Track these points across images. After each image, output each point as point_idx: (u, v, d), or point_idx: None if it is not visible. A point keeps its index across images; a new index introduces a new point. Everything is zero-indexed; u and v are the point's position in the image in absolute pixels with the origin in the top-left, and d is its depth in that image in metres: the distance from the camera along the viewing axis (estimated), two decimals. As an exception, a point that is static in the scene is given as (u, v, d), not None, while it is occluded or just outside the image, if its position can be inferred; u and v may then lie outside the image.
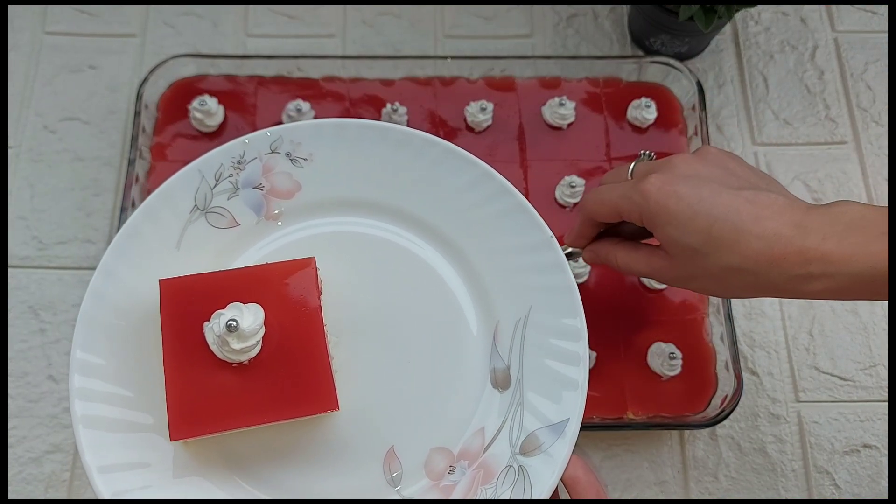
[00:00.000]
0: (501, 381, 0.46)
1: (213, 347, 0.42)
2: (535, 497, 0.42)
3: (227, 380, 0.42)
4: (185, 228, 0.48)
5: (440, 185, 0.49)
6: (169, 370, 0.42)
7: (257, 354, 0.43)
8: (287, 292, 0.44)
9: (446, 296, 0.48)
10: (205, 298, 0.43)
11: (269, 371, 0.43)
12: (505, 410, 0.45)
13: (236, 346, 0.41)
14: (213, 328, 0.41)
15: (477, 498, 0.43)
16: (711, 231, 0.43)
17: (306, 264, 0.45)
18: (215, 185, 0.48)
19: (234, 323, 0.40)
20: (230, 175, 0.48)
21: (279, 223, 0.49)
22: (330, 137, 0.49)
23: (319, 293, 0.45)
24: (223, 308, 0.42)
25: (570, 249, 0.56)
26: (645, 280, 0.63)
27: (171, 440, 0.41)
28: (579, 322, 0.45)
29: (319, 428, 0.45)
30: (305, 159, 0.49)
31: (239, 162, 0.48)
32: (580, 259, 0.57)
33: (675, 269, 0.46)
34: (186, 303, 0.43)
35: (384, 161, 0.49)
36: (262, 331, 0.42)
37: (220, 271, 0.46)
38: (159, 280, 0.44)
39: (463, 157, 0.48)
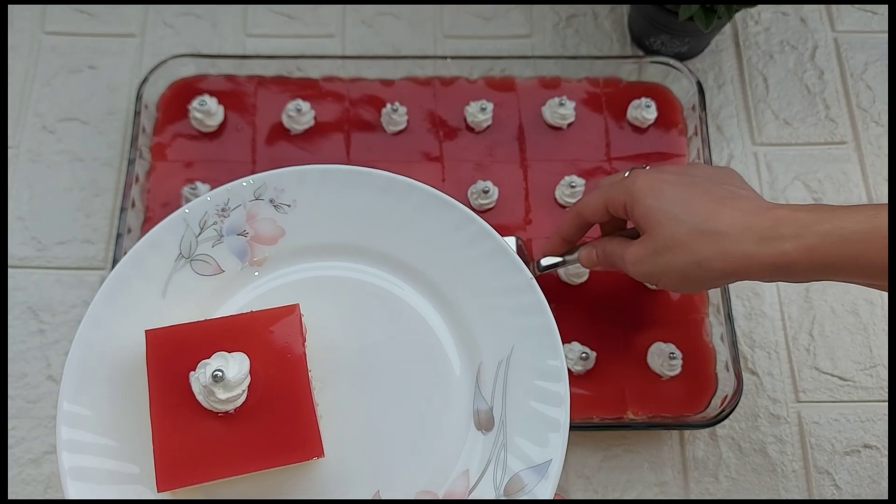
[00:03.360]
0: (485, 422, 0.47)
1: (200, 397, 0.42)
2: None
3: (213, 429, 0.42)
4: (171, 276, 0.48)
5: (422, 230, 0.49)
6: (156, 421, 0.42)
7: (243, 403, 0.43)
8: (272, 340, 0.44)
9: (429, 338, 0.49)
10: (190, 348, 0.43)
11: (255, 419, 0.43)
12: (489, 452, 0.46)
13: (222, 395, 0.41)
14: (199, 378, 0.41)
15: None
16: (690, 202, 0.46)
17: (290, 311, 0.45)
18: (200, 233, 0.49)
19: (220, 373, 0.40)
20: (214, 223, 0.49)
21: (263, 269, 0.50)
22: (313, 184, 0.49)
23: (304, 340, 0.45)
24: (209, 357, 0.42)
25: (558, 259, 0.57)
26: (645, 280, 0.63)
27: (158, 491, 0.41)
28: (560, 363, 0.46)
29: (306, 474, 0.45)
30: (289, 205, 0.49)
31: (223, 210, 0.49)
32: (569, 267, 0.59)
33: (648, 246, 0.48)
34: (172, 353, 0.43)
35: (367, 206, 0.49)
36: (248, 380, 0.42)
37: (205, 321, 0.46)
38: (145, 331, 0.44)
39: (444, 202, 0.49)
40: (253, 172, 0.65)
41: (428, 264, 0.49)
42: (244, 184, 0.49)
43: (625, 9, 0.76)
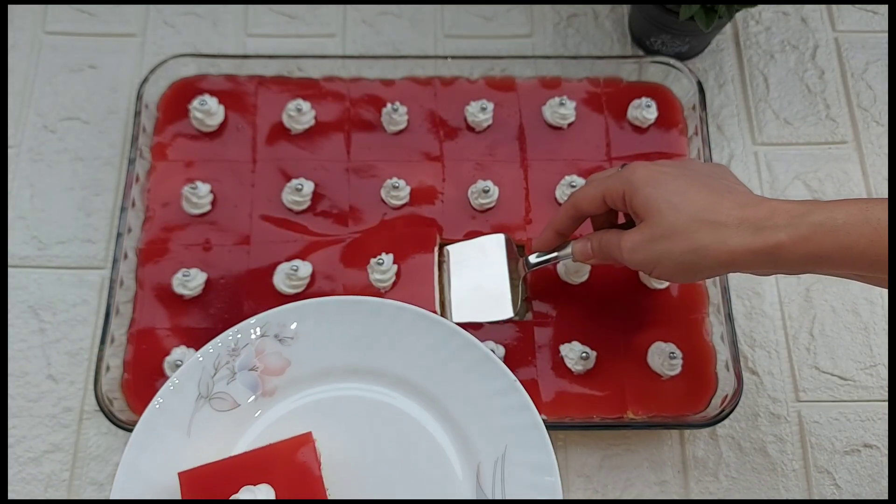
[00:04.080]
0: None
1: None
2: None
3: None
4: (193, 416, 0.52)
5: (413, 346, 0.54)
6: None
7: None
8: (291, 468, 0.49)
9: (431, 444, 0.53)
10: (220, 484, 0.47)
11: None
12: None
13: None
14: None
15: None
16: (689, 192, 0.47)
17: (306, 440, 0.50)
18: (215, 374, 0.53)
19: None
20: (227, 362, 0.53)
21: (275, 398, 0.54)
22: (311, 315, 0.54)
23: (319, 464, 0.49)
24: (237, 491, 0.46)
25: (551, 254, 0.58)
26: (644, 279, 0.63)
27: None
28: (549, 456, 0.50)
29: None
30: (292, 338, 0.54)
31: (234, 349, 0.54)
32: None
33: (645, 233, 0.49)
34: (205, 490, 0.48)
35: (362, 330, 0.54)
36: None
37: (230, 457, 0.51)
38: (178, 473, 0.48)
39: (431, 319, 0.53)
40: (253, 172, 0.66)
41: (421, 377, 0.54)
42: (251, 322, 0.54)
43: (625, 8, 0.76)
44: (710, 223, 0.46)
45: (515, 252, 0.62)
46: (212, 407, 0.53)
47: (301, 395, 0.54)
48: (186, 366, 0.53)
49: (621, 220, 0.57)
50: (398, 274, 0.62)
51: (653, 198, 0.48)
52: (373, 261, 0.61)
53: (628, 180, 0.50)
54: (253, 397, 0.54)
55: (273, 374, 0.54)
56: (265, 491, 0.46)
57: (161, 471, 0.50)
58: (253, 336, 0.54)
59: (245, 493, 0.45)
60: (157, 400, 0.51)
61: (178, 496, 0.47)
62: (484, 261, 0.62)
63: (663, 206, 0.47)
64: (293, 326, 0.54)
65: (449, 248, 0.63)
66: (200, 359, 0.53)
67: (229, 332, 0.54)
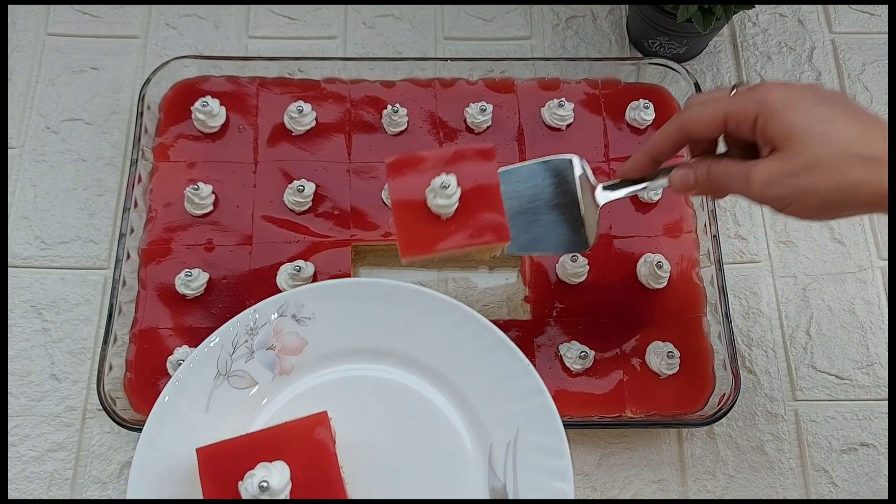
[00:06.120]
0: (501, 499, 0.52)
1: None
2: None
3: None
4: (212, 393, 0.54)
5: (429, 329, 0.55)
6: None
7: None
8: (307, 446, 0.49)
9: (444, 426, 0.54)
10: (237, 460, 0.48)
11: None
12: None
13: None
14: (248, 488, 0.46)
15: None
16: (837, 121, 0.42)
17: (321, 420, 0.50)
18: (234, 352, 0.55)
19: (265, 484, 0.46)
20: (246, 341, 0.55)
21: (291, 377, 0.56)
22: (328, 297, 0.55)
23: (334, 442, 0.50)
24: (253, 468, 0.47)
25: (644, 184, 0.52)
26: (643, 279, 0.63)
27: None
28: (561, 441, 0.51)
29: None
30: (309, 318, 0.55)
31: (252, 329, 0.55)
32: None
33: (784, 165, 0.43)
34: (221, 466, 0.49)
35: (378, 312, 0.55)
36: (290, 486, 0.47)
37: (247, 434, 0.52)
38: (196, 449, 0.49)
39: (446, 303, 0.54)
40: (255, 173, 0.67)
41: (436, 359, 0.55)
42: (269, 302, 0.55)
43: (624, 10, 0.76)
44: (866, 158, 0.41)
45: (589, 178, 0.54)
46: (230, 384, 0.54)
47: (317, 375, 0.56)
48: (205, 344, 0.54)
49: (721, 149, 0.50)
50: (459, 198, 0.53)
51: (795, 125, 0.42)
52: (435, 183, 0.51)
53: (762, 102, 0.44)
54: (271, 376, 0.55)
55: (290, 353, 0.55)
56: (280, 468, 0.47)
57: (180, 444, 0.51)
58: (272, 316, 0.55)
59: (261, 471, 0.46)
60: (178, 376, 0.53)
61: (195, 470, 0.48)
62: (553, 186, 0.55)
63: (807, 134, 0.42)
64: (310, 307, 0.55)
65: (510, 168, 0.55)
66: (219, 338, 0.54)
67: (248, 311, 0.55)
